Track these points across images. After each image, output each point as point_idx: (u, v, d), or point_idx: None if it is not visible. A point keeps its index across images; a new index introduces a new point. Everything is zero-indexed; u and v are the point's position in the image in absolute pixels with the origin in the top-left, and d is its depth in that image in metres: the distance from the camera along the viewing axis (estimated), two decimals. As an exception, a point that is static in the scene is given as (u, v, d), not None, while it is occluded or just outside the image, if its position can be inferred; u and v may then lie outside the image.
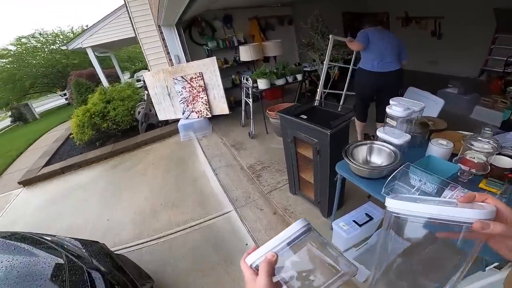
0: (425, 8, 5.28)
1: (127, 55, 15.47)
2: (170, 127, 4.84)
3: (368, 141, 1.44)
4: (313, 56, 3.17)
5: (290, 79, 3.50)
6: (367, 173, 1.29)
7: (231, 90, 4.84)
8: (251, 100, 3.42)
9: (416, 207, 0.38)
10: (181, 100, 4.16)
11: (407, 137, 1.34)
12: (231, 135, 3.99)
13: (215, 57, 3.69)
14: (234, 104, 4.92)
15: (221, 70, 4.65)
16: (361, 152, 1.43)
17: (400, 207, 0.40)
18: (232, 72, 4.90)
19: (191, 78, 3.90)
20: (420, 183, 1.25)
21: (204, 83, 3.86)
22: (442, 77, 5.34)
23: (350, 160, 1.32)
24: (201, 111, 4.14)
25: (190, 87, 4.00)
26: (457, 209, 0.36)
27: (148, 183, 3.30)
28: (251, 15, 5.00)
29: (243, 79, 3.57)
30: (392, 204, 0.40)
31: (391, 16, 5.81)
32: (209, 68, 3.73)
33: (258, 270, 0.41)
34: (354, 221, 1.79)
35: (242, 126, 4.13)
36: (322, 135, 1.57)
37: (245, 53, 3.84)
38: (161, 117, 4.63)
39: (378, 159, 1.40)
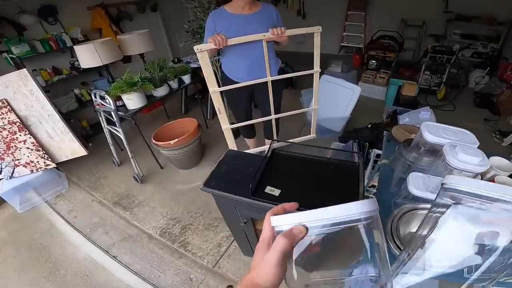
0: (291, -14, 5.27)
1: None
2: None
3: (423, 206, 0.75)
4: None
5: (174, 84, 2.41)
6: None
7: (80, 112, 3.12)
8: (120, 129, 2.12)
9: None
10: (-21, 154, 2.24)
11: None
12: (105, 184, 2.53)
13: (25, 68, 2.04)
14: (91, 130, 3.28)
15: (51, 85, 2.90)
16: (411, 224, 0.74)
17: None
18: (73, 85, 3.14)
19: (-15, 111, 2.09)
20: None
21: (18, 116, 2.15)
22: (309, 56, 5.67)
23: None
24: (32, 162, 2.39)
25: (-10, 128, 2.17)
26: None
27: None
28: (93, 3, 3.33)
29: (95, 97, 2.16)
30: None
31: (260, -3, 5.54)
32: (19, 89, 2.06)
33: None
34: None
35: (118, 165, 2.71)
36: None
37: (88, 56, 2.37)
38: (-48, 187, 2.47)
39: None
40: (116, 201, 2.33)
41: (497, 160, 1.05)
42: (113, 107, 1.95)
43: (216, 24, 1.62)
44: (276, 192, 0.84)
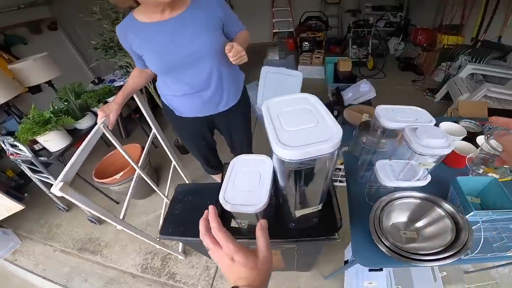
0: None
1: None
2: None
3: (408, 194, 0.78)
4: (121, 61, 1.94)
5: (103, 110, 2.09)
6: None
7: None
8: (50, 176, 1.74)
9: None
10: None
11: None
12: (61, 232, 2.19)
13: None
14: (21, 179, 2.70)
15: None
16: (396, 215, 0.79)
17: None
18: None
19: None
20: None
21: None
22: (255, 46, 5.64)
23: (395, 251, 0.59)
24: None
25: None
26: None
27: None
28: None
29: (5, 145, 1.74)
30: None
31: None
32: None
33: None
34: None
35: (66, 210, 2.31)
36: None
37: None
38: None
39: (420, 222, 0.76)
40: (80, 247, 2.04)
41: (447, 125, 1.12)
42: (30, 155, 1.58)
43: (130, 42, 1.08)
44: (245, 224, 0.73)
